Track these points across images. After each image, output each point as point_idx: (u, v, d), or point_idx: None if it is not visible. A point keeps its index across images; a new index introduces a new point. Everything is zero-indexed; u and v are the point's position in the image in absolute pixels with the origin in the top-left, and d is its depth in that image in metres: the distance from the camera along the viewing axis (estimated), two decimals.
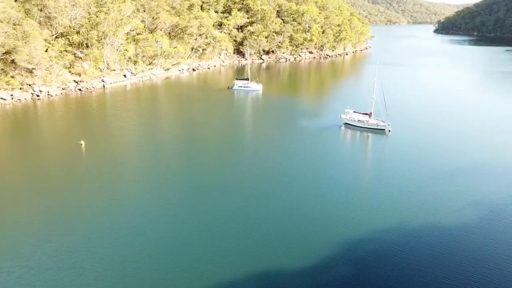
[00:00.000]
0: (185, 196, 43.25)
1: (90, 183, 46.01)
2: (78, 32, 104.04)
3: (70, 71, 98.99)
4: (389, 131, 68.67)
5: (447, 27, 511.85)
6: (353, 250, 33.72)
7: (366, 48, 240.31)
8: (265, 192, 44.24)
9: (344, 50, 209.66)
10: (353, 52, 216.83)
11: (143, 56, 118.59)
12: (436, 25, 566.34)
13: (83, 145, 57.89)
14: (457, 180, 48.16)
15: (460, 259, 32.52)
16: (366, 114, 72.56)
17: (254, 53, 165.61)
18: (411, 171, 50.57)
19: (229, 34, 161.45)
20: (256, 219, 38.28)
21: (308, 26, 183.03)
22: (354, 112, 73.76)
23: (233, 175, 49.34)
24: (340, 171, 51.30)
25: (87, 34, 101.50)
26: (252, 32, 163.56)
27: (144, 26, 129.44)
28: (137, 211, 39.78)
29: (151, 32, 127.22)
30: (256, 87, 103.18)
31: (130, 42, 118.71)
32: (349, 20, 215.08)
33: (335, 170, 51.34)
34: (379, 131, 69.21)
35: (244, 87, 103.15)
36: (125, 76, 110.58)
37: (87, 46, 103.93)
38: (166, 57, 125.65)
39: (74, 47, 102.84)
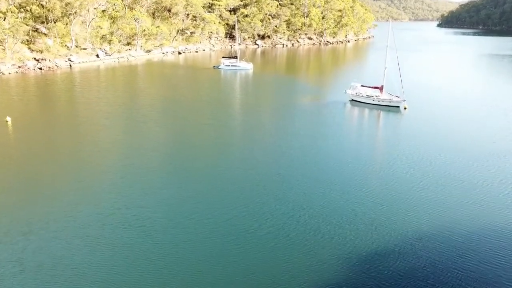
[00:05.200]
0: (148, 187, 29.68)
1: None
2: (42, 6, 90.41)
3: (30, 48, 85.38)
4: (405, 108, 55.54)
5: (450, 21, 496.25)
6: (368, 259, 20.17)
7: (369, 37, 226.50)
8: (260, 185, 30.90)
9: (346, 37, 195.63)
10: (355, 40, 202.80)
11: (120, 35, 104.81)
12: (439, 20, 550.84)
13: (9, 122, 44.55)
14: (495, 168, 34.41)
15: None
16: (376, 88, 59.18)
17: (248, 37, 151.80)
18: (434, 157, 36.61)
19: (220, 16, 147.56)
20: (251, 216, 25.39)
21: (307, 10, 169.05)
22: (362, 86, 60.32)
23: (220, 162, 35.81)
24: (346, 158, 37.50)
25: (51, 5, 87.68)
26: (246, 15, 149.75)
27: (124, 5, 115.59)
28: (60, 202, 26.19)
29: (131, 11, 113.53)
30: (245, 66, 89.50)
31: (107, 21, 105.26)
32: (351, 7, 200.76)
33: (339, 157, 37.50)
34: (393, 108, 56.06)
35: (232, 66, 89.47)
36: (97, 56, 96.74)
37: (54, 21, 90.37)
38: (147, 38, 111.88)
39: (37, 21, 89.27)
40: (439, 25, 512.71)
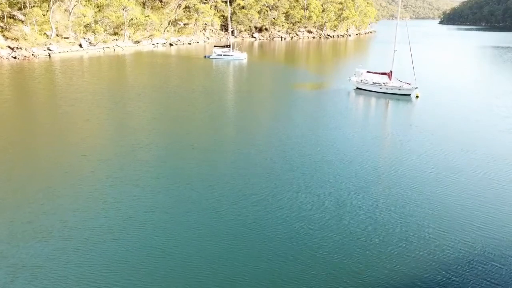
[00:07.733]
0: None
1: None
2: None
3: (4, 35, 78.47)
4: (417, 96, 48.99)
5: (453, 18, 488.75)
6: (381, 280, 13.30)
7: (371, 32, 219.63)
8: (252, 183, 24.04)
9: (347, 31, 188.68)
10: (356, 34, 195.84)
11: (106, 24, 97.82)
12: (441, 17, 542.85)
13: None
14: None
15: None
16: (384, 74, 52.47)
17: (245, 30, 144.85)
18: (455, 153, 29.57)
19: (216, 7, 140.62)
20: (241, 217, 18.61)
21: (307, 3, 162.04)
22: (368, 72, 53.58)
23: (206, 156, 29.10)
24: (350, 153, 30.57)
25: None
26: (243, 7, 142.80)
27: None
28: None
29: None
30: (239, 56, 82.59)
31: (92, 9, 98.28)
32: (352, 0, 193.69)
33: (342, 153, 30.48)
34: (403, 96, 49.44)
35: (224, 55, 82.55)
36: (80, 45, 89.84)
37: (32, 7, 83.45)
38: (135, 28, 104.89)
39: (13, 7, 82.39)
40: (441, 22, 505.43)
